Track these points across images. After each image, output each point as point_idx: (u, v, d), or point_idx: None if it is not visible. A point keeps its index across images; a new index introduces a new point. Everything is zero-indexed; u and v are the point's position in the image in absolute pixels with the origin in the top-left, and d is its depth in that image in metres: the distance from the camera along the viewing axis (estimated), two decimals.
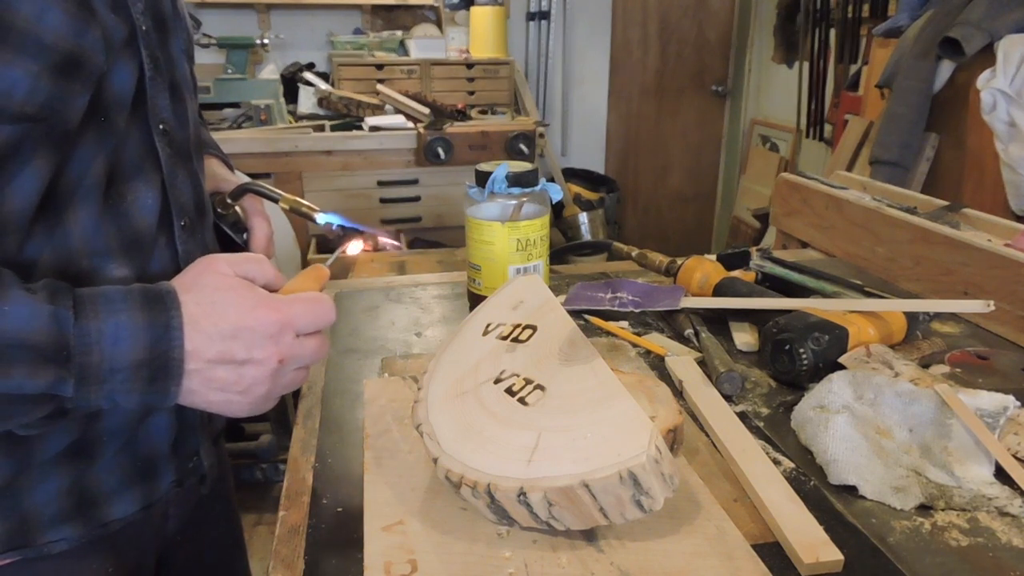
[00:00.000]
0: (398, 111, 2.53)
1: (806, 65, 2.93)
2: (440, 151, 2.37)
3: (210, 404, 0.47)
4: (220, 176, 0.73)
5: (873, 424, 0.57)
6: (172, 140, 0.58)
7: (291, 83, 2.63)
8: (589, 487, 0.42)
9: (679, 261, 0.89)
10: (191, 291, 0.46)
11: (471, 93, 2.77)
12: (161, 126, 0.56)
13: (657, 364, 0.72)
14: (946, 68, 1.77)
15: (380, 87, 2.59)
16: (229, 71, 2.50)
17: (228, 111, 2.50)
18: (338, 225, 0.65)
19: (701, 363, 0.70)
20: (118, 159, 0.53)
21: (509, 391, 0.51)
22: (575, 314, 0.82)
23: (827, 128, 2.84)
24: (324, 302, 0.50)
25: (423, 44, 2.76)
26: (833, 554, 0.44)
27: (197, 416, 0.62)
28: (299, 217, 0.67)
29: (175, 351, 0.44)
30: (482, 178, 0.80)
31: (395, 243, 0.56)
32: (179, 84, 0.60)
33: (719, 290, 0.82)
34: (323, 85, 2.60)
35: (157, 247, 0.56)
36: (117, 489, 0.57)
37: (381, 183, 2.40)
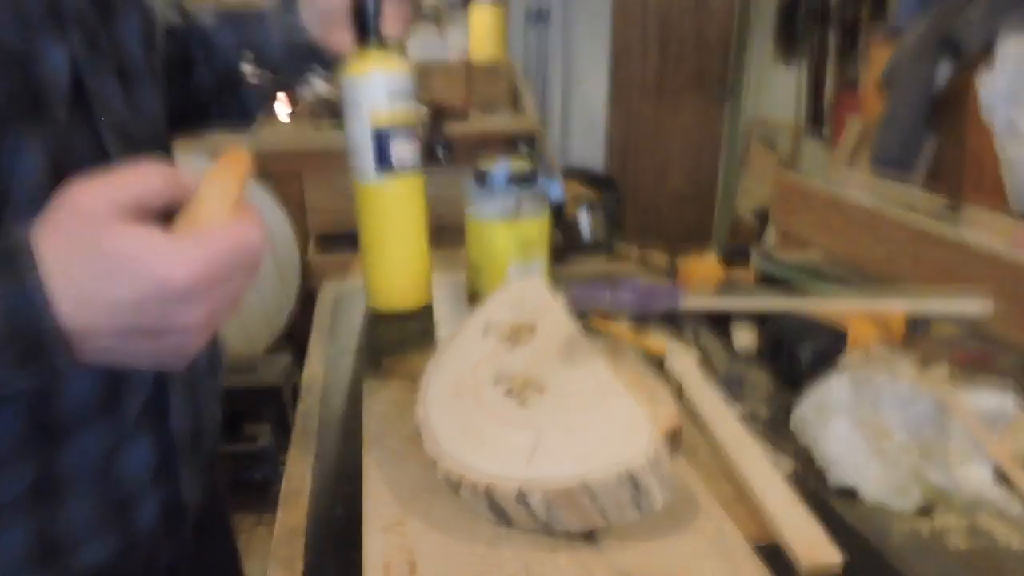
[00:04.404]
0: None
1: (806, 65, 2.93)
2: (440, 151, 2.37)
3: (145, 367, 0.41)
4: None
5: (873, 425, 0.57)
6: (125, 134, 0.51)
7: None
8: (589, 488, 0.42)
9: (679, 261, 0.89)
10: (65, 249, 0.35)
11: (471, 93, 2.77)
12: (109, 118, 0.50)
13: (657, 364, 0.72)
14: (946, 68, 1.77)
15: None
16: None
17: None
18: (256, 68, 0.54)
19: (701, 363, 0.70)
20: (64, 159, 0.46)
21: (509, 391, 0.51)
22: (575, 314, 0.82)
23: (827, 128, 2.85)
24: (247, 234, 0.38)
25: (423, 44, 2.76)
26: (832, 556, 0.44)
27: (182, 440, 0.57)
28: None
29: (44, 322, 0.35)
30: (482, 178, 0.80)
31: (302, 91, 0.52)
32: (131, 71, 0.53)
33: (719, 290, 0.82)
34: (323, 85, 2.60)
35: None
36: (90, 530, 0.51)
37: None
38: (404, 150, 0.77)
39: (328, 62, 0.75)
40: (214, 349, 0.70)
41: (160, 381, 0.56)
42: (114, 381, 0.51)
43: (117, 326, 0.36)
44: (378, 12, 0.72)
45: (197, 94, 0.74)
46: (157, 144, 0.57)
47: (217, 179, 0.39)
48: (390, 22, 0.73)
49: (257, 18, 0.73)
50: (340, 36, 0.73)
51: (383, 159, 0.76)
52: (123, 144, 0.50)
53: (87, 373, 0.49)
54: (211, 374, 0.67)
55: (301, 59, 0.74)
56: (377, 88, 0.74)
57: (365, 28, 0.73)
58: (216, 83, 0.74)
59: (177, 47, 0.71)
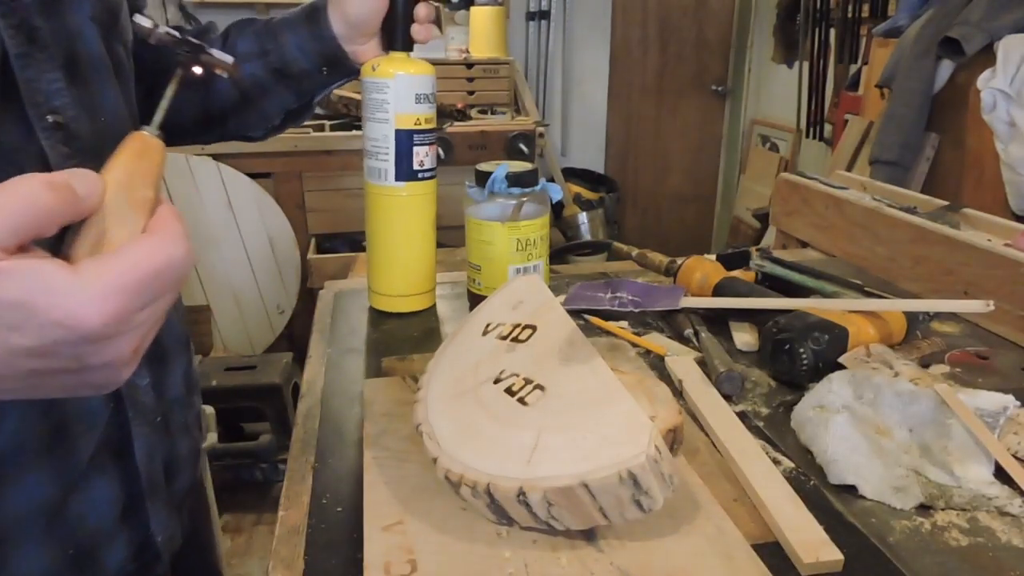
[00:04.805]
0: None
1: (806, 65, 2.93)
2: (440, 151, 2.37)
3: (71, 396, 0.36)
4: None
5: (873, 424, 0.57)
6: (71, 136, 0.45)
7: None
8: (588, 487, 0.42)
9: (679, 261, 0.89)
10: None
11: (471, 93, 2.77)
12: (50, 118, 0.44)
13: (657, 364, 0.72)
14: (946, 68, 1.77)
15: None
16: None
17: None
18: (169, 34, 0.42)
19: (701, 363, 0.70)
20: None
21: (509, 391, 0.51)
22: (575, 314, 0.82)
23: (827, 128, 2.85)
24: (167, 250, 0.32)
25: (423, 44, 2.76)
26: (833, 554, 0.44)
27: (152, 476, 0.53)
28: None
29: None
30: (482, 178, 0.80)
31: (226, 60, 0.43)
32: (83, 62, 0.47)
33: (719, 290, 0.82)
34: None
35: None
36: None
37: None
38: (425, 154, 0.77)
39: (354, 72, 0.74)
40: (188, 374, 0.64)
41: (120, 417, 0.51)
42: (59, 421, 0.47)
43: (24, 372, 0.32)
44: (408, 18, 0.72)
45: (215, 107, 0.72)
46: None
47: (123, 181, 0.32)
48: (419, 28, 0.73)
49: (281, 27, 0.72)
50: (368, 46, 0.73)
51: (406, 162, 0.76)
52: (70, 147, 0.45)
53: (21, 416, 0.45)
54: (185, 400, 0.63)
55: (329, 70, 0.73)
56: (404, 90, 0.74)
57: (393, 33, 0.73)
58: (238, 96, 0.72)
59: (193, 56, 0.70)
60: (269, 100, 0.74)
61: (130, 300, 0.31)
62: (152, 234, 0.32)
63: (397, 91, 0.74)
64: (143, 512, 0.53)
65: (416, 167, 0.77)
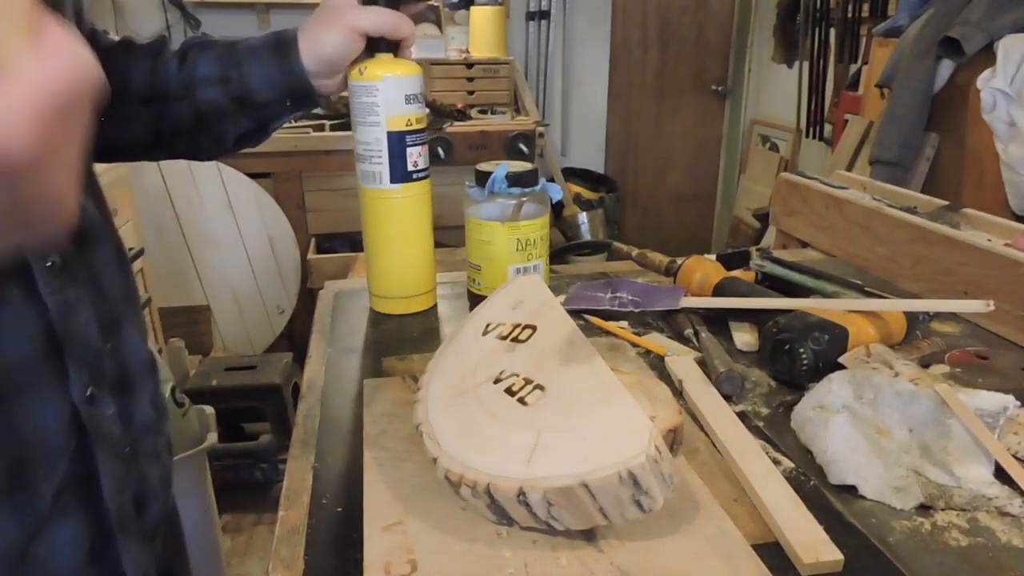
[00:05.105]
0: None
1: (806, 65, 2.93)
2: (440, 151, 2.37)
3: (27, 241, 0.32)
4: None
5: (873, 424, 0.57)
6: None
7: None
8: (588, 487, 0.42)
9: (679, 261, 0.89)
10: None
11: (471, 93, 2.77)
12: None
13: (657, 364, 0.72)
14: (946, 68, 1.77)
15: None
16: None
17: None
18: None
19: (701, 363, 0.70)
20: None
21: (509, 391, 0.51)
22: (575, 314, 0.82)
23: (827, 128, 2.85)
24: (71, 58, 0.28)
25: (423, 44, 2.76)
26: (833, 554, 0.44)
27: (122, 512, 0.51)
28: None
29: None
30: (482, 178, 0.80)
31: None
32: None
33: (719, 290, 0.82)
34: None
35: (7, 303, 0.41)
36: None
37: None
38: (418, 154, 0.77)
39: (319, 103, 0.72)
40: (156, 399, 0.61)
41: (84, 453, 0.48)
42: (17, 462, 0.44)
43: None
44: (394, 41, 0.73)
45: (167, 127, 0.70)
46: None
47: None
48: (404, 48, 0.73)
49: (246, 55, 0.70)
50: (337, 79, 0.72)
51: (399, 164, 0.76)
52: None
53: None
54: (155, 426, 0.60)
55: (292, 101, 0.71)
56: (393, 92, 0.74)
57: (377, 45, 0.72)
58: (193, 119, 0.70)
59: (148, 75, 0.67)
60: (225, 125, 0.72)
61: (46, 119, 0.27)
62: (47, 49, 0.28)
63: (386, 94, 0.73)
64: (113, 549, 0.50)
65: (410, 168, 0.76)
